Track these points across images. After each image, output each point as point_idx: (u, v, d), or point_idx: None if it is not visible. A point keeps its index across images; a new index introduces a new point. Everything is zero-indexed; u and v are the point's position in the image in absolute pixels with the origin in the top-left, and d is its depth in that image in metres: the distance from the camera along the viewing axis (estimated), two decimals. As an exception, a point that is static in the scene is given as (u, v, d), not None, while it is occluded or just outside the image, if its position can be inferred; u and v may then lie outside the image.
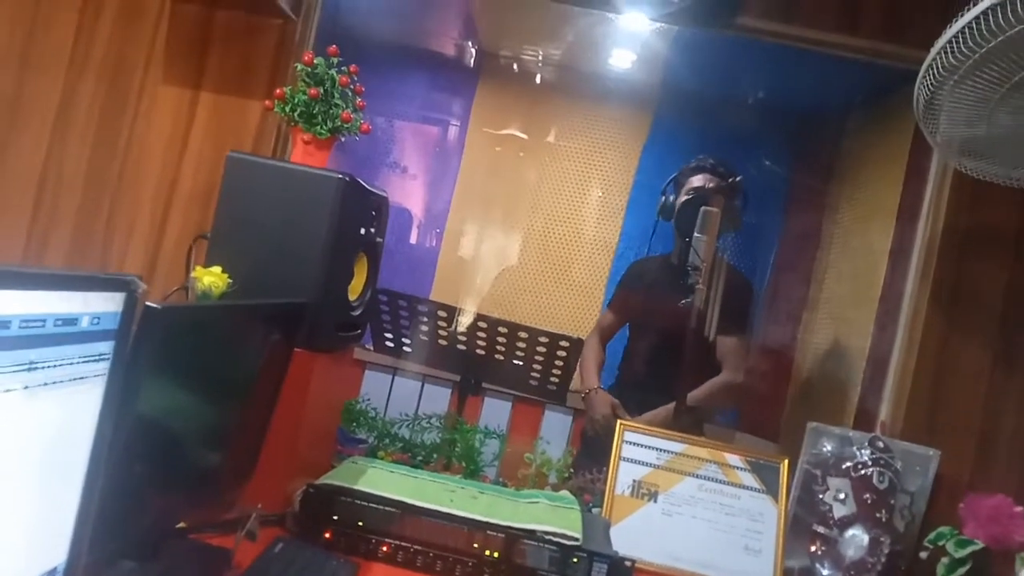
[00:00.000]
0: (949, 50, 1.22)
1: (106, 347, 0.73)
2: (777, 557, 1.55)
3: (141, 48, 1.82)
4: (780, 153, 2.87)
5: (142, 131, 1.82)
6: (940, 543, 1.47)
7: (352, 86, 1.52)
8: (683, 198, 2.15)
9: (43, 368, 0.64)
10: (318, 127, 1.47)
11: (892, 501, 1.49)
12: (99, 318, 0.70)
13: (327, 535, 1.28)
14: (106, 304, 0.71)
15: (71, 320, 0.67)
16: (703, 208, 1.90)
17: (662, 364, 2.20)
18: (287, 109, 1.48)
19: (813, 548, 1.52)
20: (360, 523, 1.28)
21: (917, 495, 1.58)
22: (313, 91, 1.46)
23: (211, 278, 1.30)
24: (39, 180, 1.81)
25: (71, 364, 0.68)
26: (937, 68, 1.28)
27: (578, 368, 2.15)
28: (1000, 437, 1.68)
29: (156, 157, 1.81)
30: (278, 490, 1.36)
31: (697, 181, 2.18)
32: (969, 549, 1.41)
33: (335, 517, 1.28)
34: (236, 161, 1.42)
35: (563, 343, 1.77)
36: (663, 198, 2.25)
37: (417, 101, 3.01)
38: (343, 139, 1.53)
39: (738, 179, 2.17)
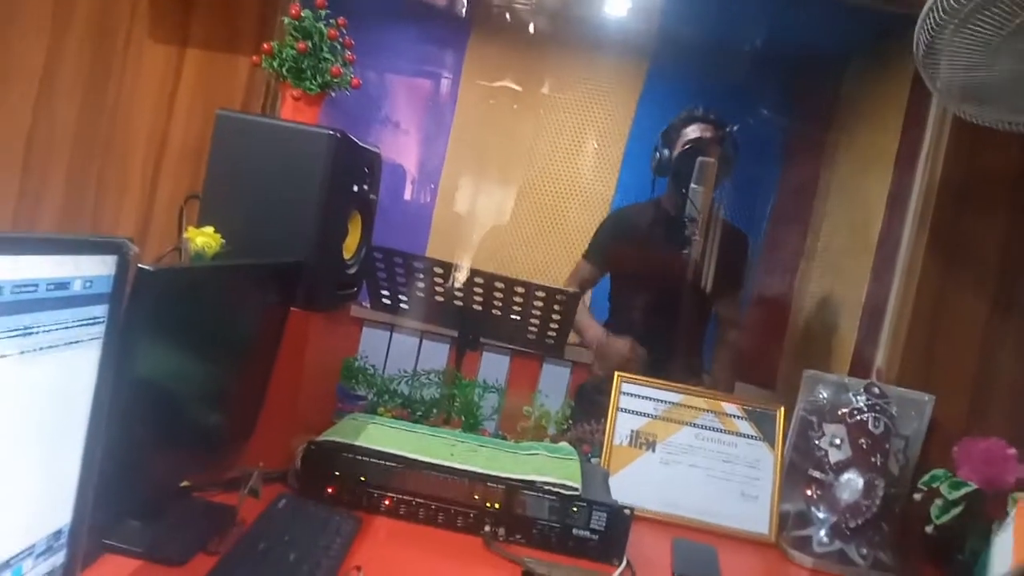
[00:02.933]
0: (950, -8, 1.20)
1: (100, 310, 0.72)
2: (773, 502, 1.58)
3: (124, 4, 1.78)
4: (777, 101, 2.83)
5: (129, 90, 1.79)
6: (934, 485, 1.49)
7: (341, 39, 1.49)
8: (679, 149, 2.13)
9: (38, 333, 0.64)
10: (307, 82, 1.45)
11: (887, 445, 1.51)
12: (92, 281, 0.70)
13: (330, 490, 1.30)
14: (98, 267, 0.71)
15: (63, 284, 0.66)
16: (700, 159, 1.89)
17: (656, 317, 2.20)
18: (275, 64, 1.45)
19: (809, 492, 1.55)
20: (362, 478, 1.30)
21: (912, 439, 1.61)
22: (301, 45, 1.43)
23: (204, 239, 1.29)
24: (27, 143, 1.78)
25: (66, 328, 0.68)
26: (938, 11, 1.26)
27: (575, 327, 2.15)
28: (994, 382, 1.69)
29: (144, 116, 1.79)
30: (280, 448, 1.37)
31: (693, 132, 2.15)
32: (962, 491, 1.44)
33: (337, 473, 1.30)
34: (225, 119, 1.40)
35: (560, 297, 1.77)
36: (656, 154, 2.21)
37: (408, 54, 2.95)
38: (333, 94, 1.51)
39: (735, 128, 2.15)
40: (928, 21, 1.29)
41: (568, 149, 2.89)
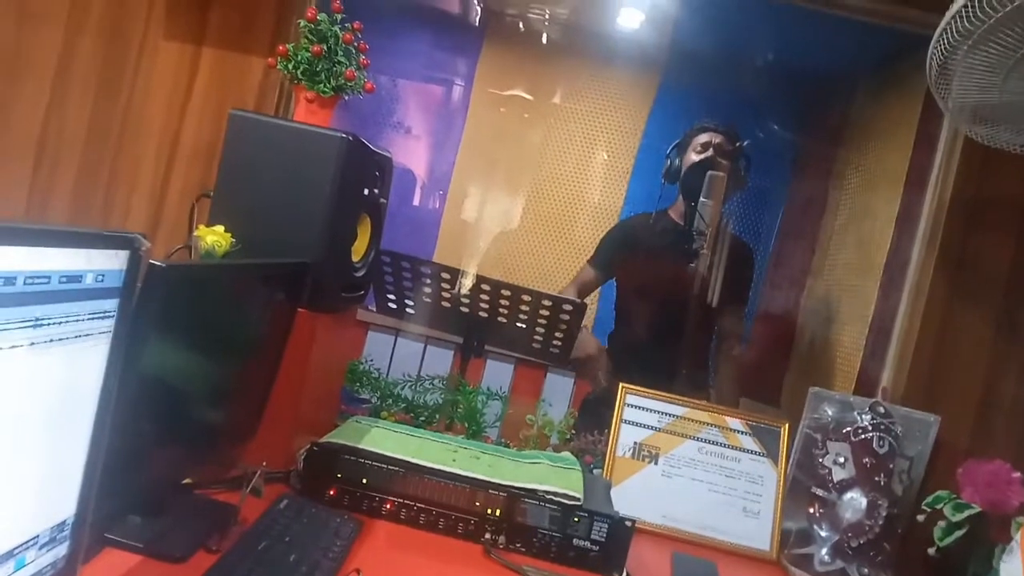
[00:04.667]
0: (964, 15, 1.20)
1: (111, 304, 0.72)
2: (775, 519, 1.58)
3: (141, 2, 1.79)
4: (788, 118, 2.83)
5: (143, 87, 1.80)
6: (938, 507, 1.48)
7: (356, 43, 1.50)
8: (691, 159, 2.13)
9: (48, 325, 0.64)
10: (321, 85, 1.46)
11: (891, 465, 1.51)
12: (103, 275, 0.70)
13: (331, 492, 1.29)
14: (110, 261, 0.71)
15: (76, 277, 0.67)
16: (709, 173, 1.89)
17: (662, 328, 2.20)
18: (290, 66, 1.46)
19: (811, 510, 1.54)
20: (364, 481, 1.30)
21: (916, 460, 1.60)
22: (316, 48, 1.44)
23: (214, 237, 1.30)
24: (39, 138, 1.79)
25: (76, 321, 0.68)
26: (951, 32, 1.26)
27: None
28: (1000, 405, 1.68)
29: (158, 114, 1.79)
30: (283, 448, 1.37)
31: (703, 138, 2.15)
32: (966, 513, 1.43)
33: (339, 475, 1.30)
34: (238, 119, 1.40)
35: (566, 307, 1.77)
36: (668, 162, 2.22)
37: (421, 60, 2.96)
38: (347, 98, 1.51)
39: (745, 143, 2.15)
40: (941, 42, 1.29)
41: (578, 159, 2.89)
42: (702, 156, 2.11)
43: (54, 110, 1.79)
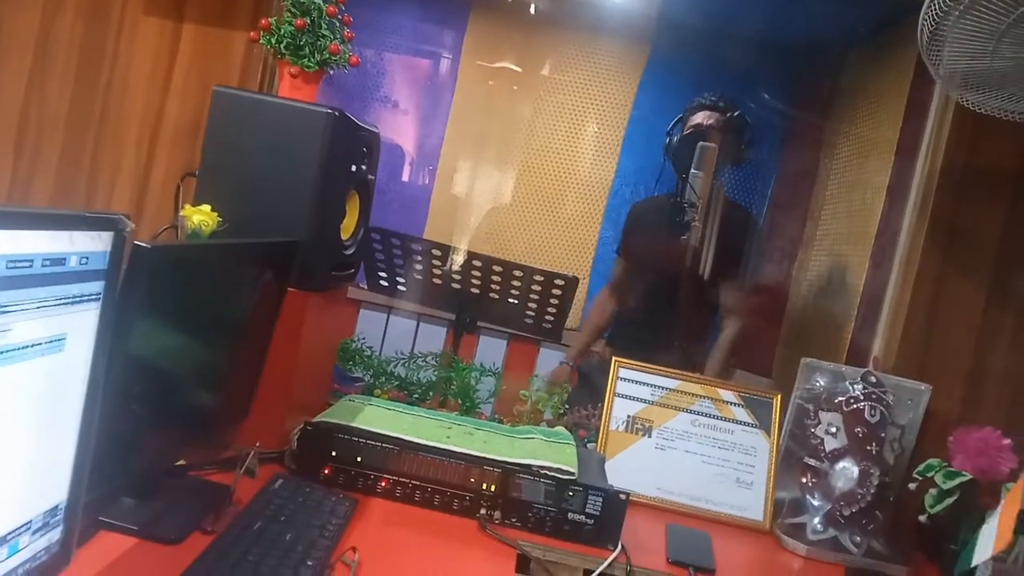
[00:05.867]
0: (956, -22, 1.19)
1: (96, 287, 0.71)
2: (768, 490, 1.59)
3: (120, -23, 1.75)
4: (779, 88, 2.81)
5: (124, 66, 1.76)
6: (929, 475, 1.49)
7: (340, 16, 1.47)
8: (683, 134, 2.11)
9: (32, 308, 0.63)
10: (305, 59, 1.43)
11: (883, 434, 1.52)
12: (87, 258, 0.69)
13: (326, 471, 1.29)
14: (94, 243, 0.70)
15: (59, 260, 0.65)
16: (700, 144, 1.87)
17: (658, 304, 2.20)
18: (273, 41, 1.43)
19: (804, 480, 1.55)
20: (358, 459, 1.30)
21: (907, 428, 1.61)
22: (299, 21, 1.42)
23: (201, 216, 1.28)
24: (20, 120, 1.76)
25: (61, 304, 0.67)
26: (943, -3, 1.25)
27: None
28: (991, 373, 1.69)
29: (139, 93, 1.76)
30: (276, 428, 1.37)
31: (698, 119, 2.13)
32: (957, 480, 1.44)
33: (333, 454, 1.30)
34: (222, 96, 1.38)
35: (558, 281, 1.76)
36: (668, 139, 2.19)
37: (407, 33, 2.92)
38: (332, 72, 1.49)
39: (737, 113, 2.13)
40: (932, 7, 1.28)
41: (568, 132, 2.87)
42: (693, 128, 2.09)
43: (34, 92, 1.76)
